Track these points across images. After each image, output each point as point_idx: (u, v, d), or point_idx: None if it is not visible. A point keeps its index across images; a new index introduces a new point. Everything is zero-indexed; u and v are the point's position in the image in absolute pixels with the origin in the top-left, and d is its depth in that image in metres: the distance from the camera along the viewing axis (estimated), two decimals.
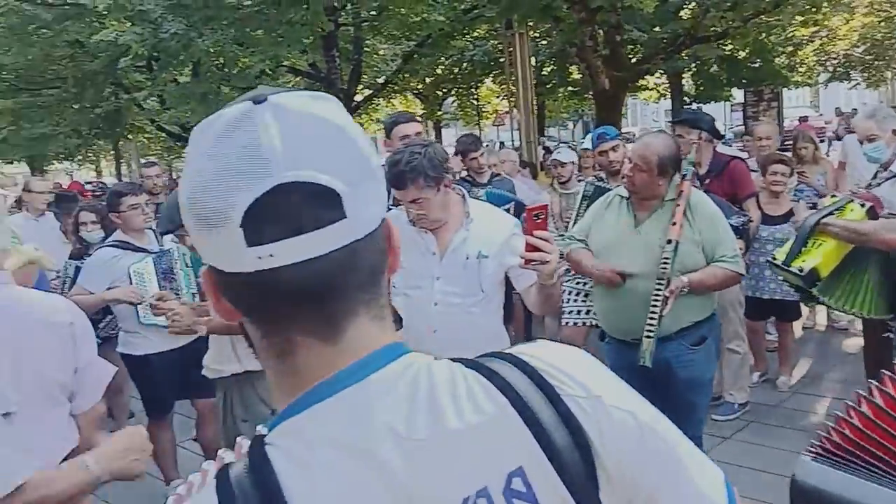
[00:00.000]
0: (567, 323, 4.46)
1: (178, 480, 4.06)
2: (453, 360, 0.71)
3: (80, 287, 3.90)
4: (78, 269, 4.28)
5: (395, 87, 20.09)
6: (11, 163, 26.65)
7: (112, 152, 23.41)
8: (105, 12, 10.19)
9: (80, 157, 25.96)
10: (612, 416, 0.69)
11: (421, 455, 0.65)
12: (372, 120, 23.12)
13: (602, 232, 3.18)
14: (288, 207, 0.62)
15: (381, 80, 17.98)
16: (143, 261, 3.93)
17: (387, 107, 22.09)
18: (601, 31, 11.81)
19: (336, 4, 12.06)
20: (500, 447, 0.66)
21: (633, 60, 13.76)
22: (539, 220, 2.06)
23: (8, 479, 1.47)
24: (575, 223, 3.85)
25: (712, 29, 12.19)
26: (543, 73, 18.88)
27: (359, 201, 0.65)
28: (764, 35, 16.22)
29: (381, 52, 18.50)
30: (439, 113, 25.30)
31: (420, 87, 21.90)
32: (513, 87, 13.21)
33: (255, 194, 0.61)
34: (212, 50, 11.03)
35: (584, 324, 4.45)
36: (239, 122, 0.64)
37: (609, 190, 3.78)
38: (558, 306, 4.13)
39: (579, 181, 5.11)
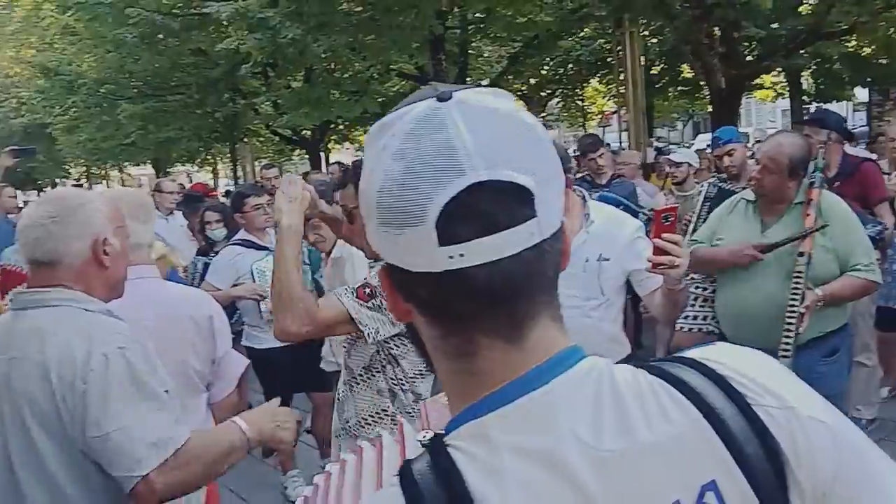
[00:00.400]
0: (682, 328, 4.32)
1: (295, 471, 4.21)
2: (636, 365, 0.70)
3: (207, 283, 4.12)
4: (206, 265, 4.52)
5: (501, 89, 20.08)
6: (139, 165, 28.50)
7: (228, 155, 24.51)
8: (227, 22, 10.70)
9: (199, 160, 27.39)
10: (806, 428, 0.66)
11: (611, 467, 0.63)
12: None
13: (726, 237, 3.06)
14: (482, 206, 0.62)
15: (485, 83, 18.01)
16: (265, 258, 4.11)
17: None
18: (717, 29, 11.39)
19: (445, 8, 12.19)
20: (692, 460, 0.64)
21: (750, 58, 13.20)
22: (668, 223, 2.01)
23: (168, 442, 1.57)
24: (696, 226, 3.73)
25: (837, 25, 11.52)
26: (653, 72, 18.39)
27: (547, 200, 0.64)
28: (893, 30, 15.18)
29: (486, 54, 18.56)
30: (543, 115, 25.12)
31: (524, 88, 21.83)
32: (621, 88, 12.94)
33: (451, 194, 0.61)
34: (325, 55, 11.36)
35: (699, 329, 4.30)
36: (427, 121, 0.64)
37: (732, 192, 3.64)
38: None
39: (696, 183, 4.95)
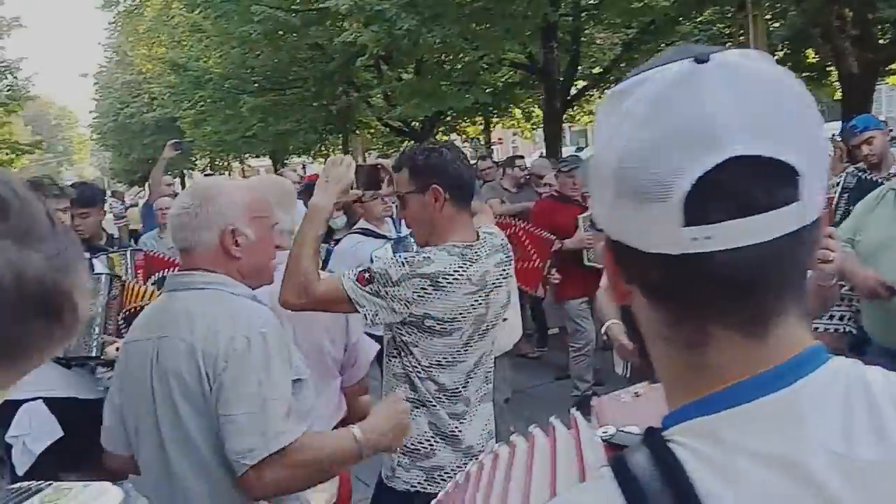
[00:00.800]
0: (817, 328, 4.08)
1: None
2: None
3: (329, 270, 4.24)
4: (328, 251, 4.65)
5: (612, 78, 19.62)
6: (258, 157, 29.78)
7: (341, 147, 25.20)
8: (345, 14, 10.95)
9: (314, 152, 28.33)
10: None
11: (865, 479, 0.56)
12: (584, 112, 22.77)
13: (871, 232, 2.85)
14: (738, 184, 0.55)
15: (597, 71, 17.57)
16: (384, 246, 4.18)
17: (600, 98, 21.59)
18: (849, 10, 10.67)
19: None
20: None
21: (884, 41, 12.28)
22: None
23: (281, 437, 1.60)
24: (836, 219, 3.51)
25: None
26: (775, 57, 17.42)
27: (813, 182, 0.58)
28: None
29: (598, 42, 18.14)
30: None
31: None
32: None
33: (704, 168, 0.55)
34: (438, 45, 11.44)
35: (835, 330, 4.05)
36: (680, 85, 0.57)
37: (874, 182, 3.39)
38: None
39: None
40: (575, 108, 19.33)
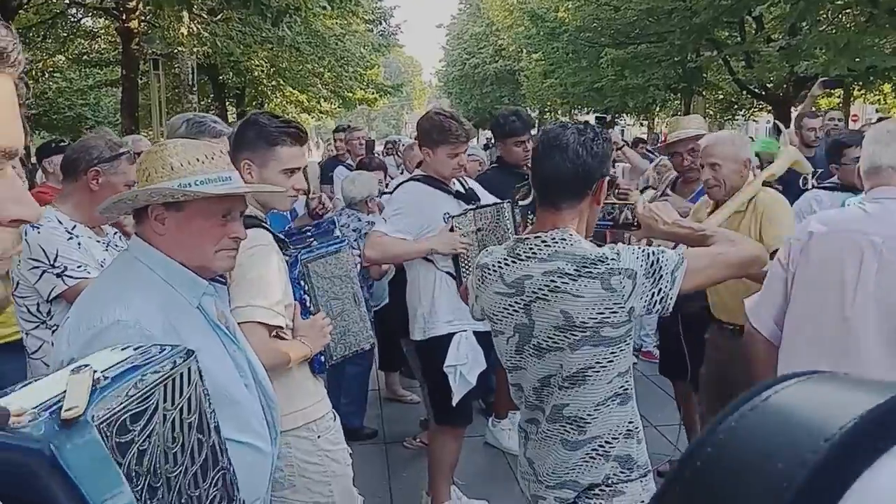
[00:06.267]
0: None
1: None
2: None
3: None
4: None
5: None
6: (588, 112, 29.56)
7: (682, 110, 23.96)
8: None
9: (645, 115, 27.44)
10: None
11: None
12: None
13: None
14: None
15: None
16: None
17: None
18: None
19: None
20: None
21: None
22: None
23: None
24: None
25: None
26: None
27: None
28: None
29: None
30: None
31: None
32: None
33: None
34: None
35: None
36: None
37: None
38: None
39: None
40: None
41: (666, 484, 0.42)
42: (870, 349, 1.95)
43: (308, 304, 2.26)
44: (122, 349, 1.14)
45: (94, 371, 0.99)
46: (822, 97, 22.84)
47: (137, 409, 1.01)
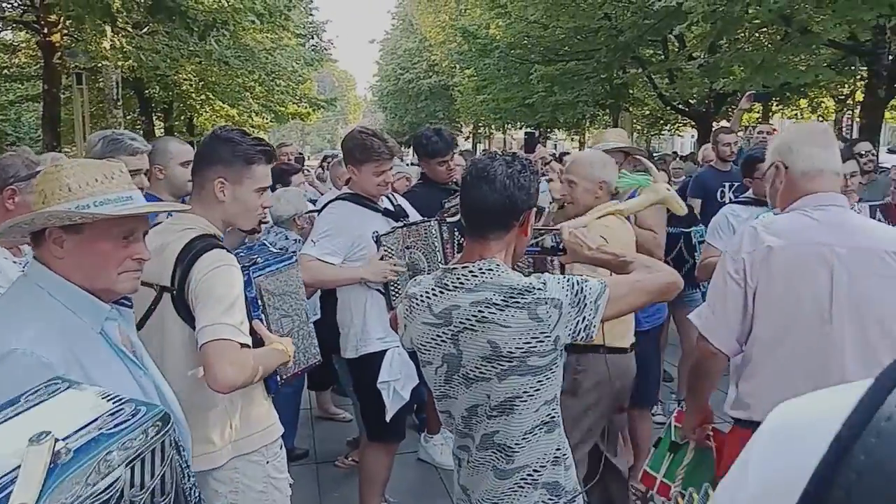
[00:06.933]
0: None
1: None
2: None
3: None
4: None
5: None
6: (520, 127, 30.08)
7: (610, 123, 24.61)
8: None
9: (574, 129, 28.06)
10: None
11: None
12: None
13: None
14: None
15: None
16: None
17: None
18: None
19: None
20: None
21: None
22: None
23: None
24: None
25: None
26: None
27: None
28: None
29: None
30: None
31: None
32: None
33: None
34: (760, 16, 10.39)
35: None
36: None
37: None
38: None
39: None
40: None
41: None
42: (849, 361, 1.96)
43: (264, 322, 2.22)
44: (102, 397, 1.04)
45: (56, 440, 0.88)
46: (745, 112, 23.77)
47: (98, 502, 0.90)
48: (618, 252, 2.04)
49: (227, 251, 2.06)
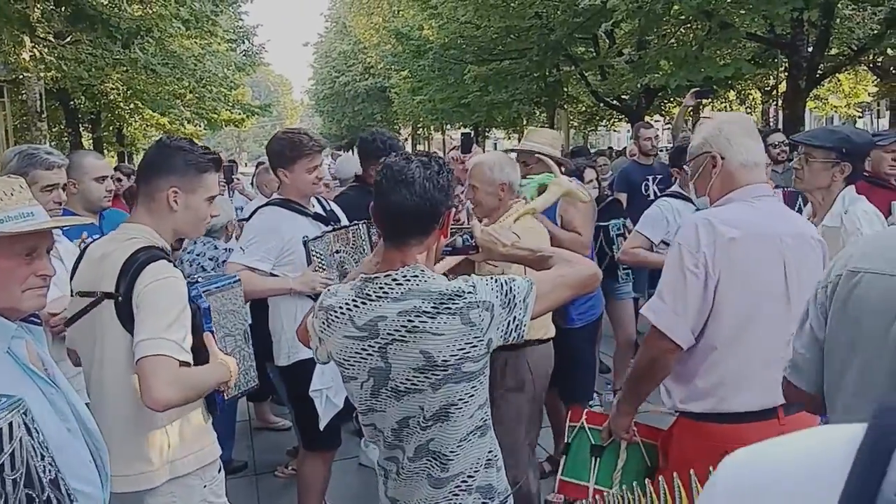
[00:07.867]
0: None
1: None
2: None
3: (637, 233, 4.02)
4: None
5: (863, 60, 17.57)
6: (460, 127, 30.23)
7: (546, 122, 24.94)
8: None
9: (513, 128, 28.34)
10: None
11: None
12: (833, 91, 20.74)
13: None
14: None
15: (852, 50, 15.70)
16: None
17: (851, 82, 19.51)
18: None
19: None
20: None
21: None
22: None
23: None
24: None
25: None
26: None
27: None
28: None
29: (856, 19, 16.27)
30: None
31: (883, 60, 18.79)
32: None
33: None
34: (682, 13, 10.70)
35: None
36: None
37: None
38: None
39: None
40: (819, 89, 17.56)
41: None
42: None
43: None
44: None
45: None
46: (675, 106, 24.41)
47: None
48: (533, 247, 2.00)
49: (173, 264, 2.03)
